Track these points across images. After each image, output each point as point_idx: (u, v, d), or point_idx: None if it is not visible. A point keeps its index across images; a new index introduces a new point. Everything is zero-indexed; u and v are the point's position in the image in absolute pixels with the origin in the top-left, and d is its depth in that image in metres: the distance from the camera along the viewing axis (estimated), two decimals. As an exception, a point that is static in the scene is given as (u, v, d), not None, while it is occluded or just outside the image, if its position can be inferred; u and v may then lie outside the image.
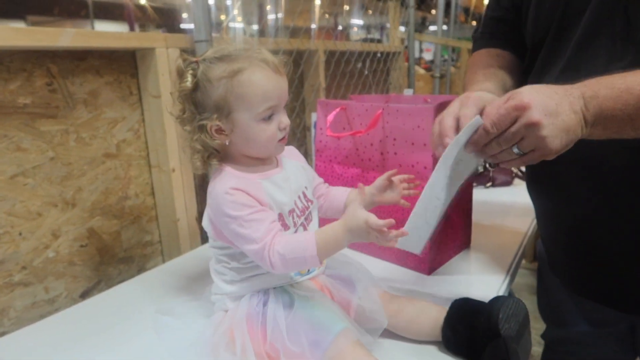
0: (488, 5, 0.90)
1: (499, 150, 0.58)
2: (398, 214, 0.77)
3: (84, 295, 1.02)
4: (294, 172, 0.75)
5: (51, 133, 0.93)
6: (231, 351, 0.65)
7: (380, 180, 0.76)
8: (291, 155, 0.78)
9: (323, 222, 0.84)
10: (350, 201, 0.75)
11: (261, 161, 0.72)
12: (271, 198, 0.68)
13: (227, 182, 0.66)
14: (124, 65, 1.06)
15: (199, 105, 0.66)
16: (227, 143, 0.67)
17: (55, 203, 0.95)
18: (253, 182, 0.68)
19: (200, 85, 0.65)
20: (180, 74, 0.67)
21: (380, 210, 0.76)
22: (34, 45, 0.84)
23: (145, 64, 1.06)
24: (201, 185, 1.25)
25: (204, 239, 1.25)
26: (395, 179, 0.76)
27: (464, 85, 0.83)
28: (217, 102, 0.65)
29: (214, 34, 1.11)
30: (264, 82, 0.65)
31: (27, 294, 0.92)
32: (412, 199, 0.71)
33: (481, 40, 0.90)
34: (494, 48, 0.87)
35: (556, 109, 0.53)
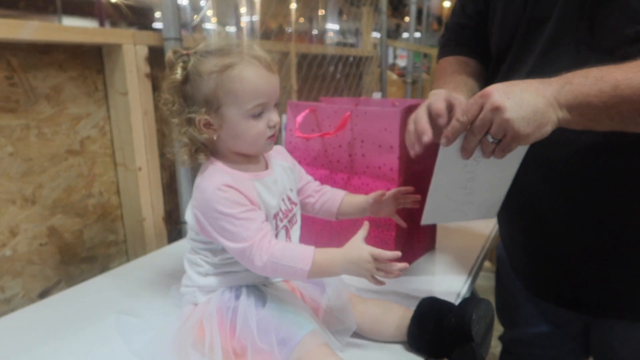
0: (453, 12, 0.92)
1: (475, 141, 0.61)
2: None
3: (43, 295, 0.99)
4: (280, 174, 0.75)
5: (10, 127, 0.90)
6: (198, 346, 0.64)
7: (378, 194, 0.78)
8: (279, 156, 0.78)
9: (313, 220, 0.85)
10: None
11: (249, 159, 0.71)
12: (261, 199, 0.68)
13: (218, 177, 0.65)
14: (90, 60, 1.03)
15: (188, 98, 0.66)
16: (215, 138, 0.67)
17: (13, 200, 0.92)
18: (245, 180, 0.67)
19: (191, 78, 0.65)
20: (170, 66, 0.66)
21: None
22: (-6, 36, 0.81)
23: (112, 60, 1.04)
24: (169, 185, 1.23)
25: (171, 239, 1.23)
26: (389, 194, 0.79)
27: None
28: (206, 96, 0.64)
29: (187, 33, 1.10)
30: (255, 78, 0.64)
31: (-19, 294, 0.89)
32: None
33: (447, 47, 0.92)
34: (460, 55, 0.89)
35: (520, 94, 0.56)
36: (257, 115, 0.66)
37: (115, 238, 1.15)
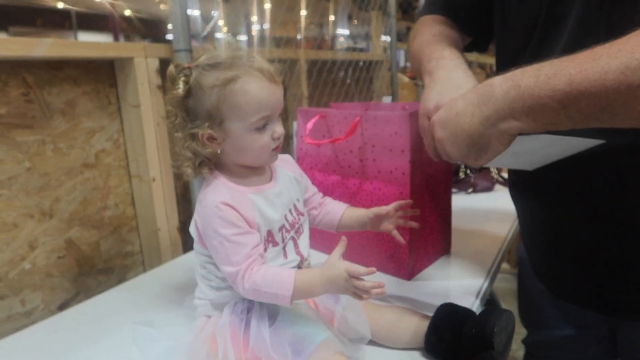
0: None
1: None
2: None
3: (62, 307, 1.01)
4: (286, 184, 0.74)
5: (27, 143, 0.92)
6: (212, 358, 0.64)
7: (381, 209, 0.77)
8: (286, 165, 0.77)
9: (314, 232, 0.85)
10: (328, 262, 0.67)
11: (254, 171, 0.70)
12: (261, 215, 0.67)
13: (218, 194, 0.64)
14: (102, 75, 1.05)
15: (191, 112, 0.65)
16: (219, 152, 0.66)
17: (31, 214, 0.94)
18: (244, 197, 0.66)
19: (193, 92, 0.64)
20: (172, 80, 0.65)
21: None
22: (9, 55, 0.83)
23: (124, 74, 1.06)
24: (183, 195, 1.25)
25: (186, 248, 1.24)
26: (390, 208, 0.77)
27: (417, 51, 0.78)
28: (209, 110, 0.63)
29: (197, 44, 1.11)
30: (258, 91, 0.63)
31: (2, 307, 0.91)
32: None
33: (434, 4, 0.86)
34: (440, 15, 0.84)
35: (456, 120, 0.57)
36: (261, 128, 0.65)
37: (132, 249, 1.17)
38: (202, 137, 0.64)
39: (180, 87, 0.64)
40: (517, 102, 0.52)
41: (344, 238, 0.64)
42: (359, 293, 0.59)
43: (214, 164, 0.69)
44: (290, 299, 0.61)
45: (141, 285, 0.97)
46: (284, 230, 0.71)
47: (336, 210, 0.82)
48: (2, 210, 0.89)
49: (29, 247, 0.94)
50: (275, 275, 0.62)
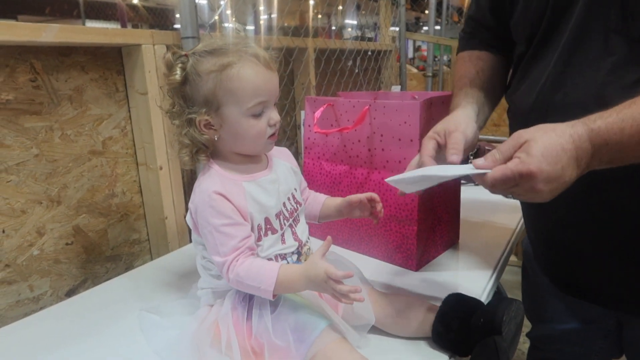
0: (470, 5, 0.91)
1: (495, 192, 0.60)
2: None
3: (70, 293, 1.01)
4: (284, 173, 0.75)
5: (35, 129, 0.92)
6: (216, 346, 0.65)
7: (355, 197, 0.77)
8: (282, 156, 0.78)
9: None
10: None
11: (250, 159, 0.71)
12: (255, 203, 0.67)
13: (212, 183, 0.65)
14: (110, 61, 1.05)
15: (188, 99, 0.66)
16: (215, 138, 0.67)
17: (39, 200, 0.94)
18: (237, 185, 0.67)
19: (190, 78, 0.65)
20: (169, 67, 0.66)
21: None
22: (17, 40, 0.83)
23: (132, 61, 1.05)
24: (189, 183, 1.24)
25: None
26: (363, 197, 0.77)
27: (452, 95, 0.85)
28: (206, 96, 0.64)
29: (204, 32, 1.10)
30: (254, 77, 0.64)
31: (10, 292, 0.91)
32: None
33: (462, 40, 0.91)
34: (474, 50, 0.88)
35: (560, 173, 0.54)
36: (258, 115, 0.66)
37: (139, 237, 1.17)
38: (199, 123, 0.65)
39: (177, 74, 0.64)
40: (604, 156, 0.56)
41: (329, 238, 0.63)
42: (337, 296, 0.59)
43: (211, 152, 0.69)
44: (273, 294, 0.62)
45: (148, 273, 0.98)
46: (281, 217, 0.71)
47: (316, 201, 0.83)
48: (11, 196, 0.89)
49: (37, 233, 0.94)
50: (259, 268, 0.63)
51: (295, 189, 0.76)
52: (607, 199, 0.68)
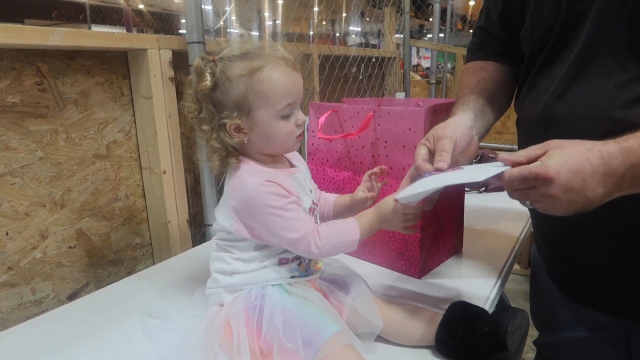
0: (479, 15, 0.91)
1: (513, 196, 0.59)
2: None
3: (72, 297, 1.01)
4: (305, 172, 0.77)
5: (40, 132, 0.92)
6: (226, 346, 0.64)
7: (359, 195, 0.79)
8: (296, 158, 0.79)
9: None
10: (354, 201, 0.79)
11: (275, 159, 0.73)
12: (299, 192, 0.70)
13: (257, 175, 0.66)
14: (116, 65, 1.05)
15: (218, 104, 0.66)
16: (245, 141, 0.68)
17: (43, 203, 0.94)
18: (282, 175, 0.68)
19: (220, 84, 0.65)
20: (199, 74, 0.66)
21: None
22: (24, 43, 0.83)
23: (137, 65, 1.06)
24: (193, 188, 1.25)
25: (195, 241, 1.24)
26: (365, 175, 0.79)
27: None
28: (236, 100, 0.65)
29: (208, 37, 1.11)
30: (283, 79, 0.65)
31: (13, 295, 0.91)
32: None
33: (469, 51, 0.92)
34: (481, 60, 0.88)
35: (582, 185, 0.53)
36: (287, 116, 0.67)
37: (141, 241, 1.17)
38: (229, 127, 0.66)
39: (208, 80, 0.65)
40: (637, 178, 0.54)
41: (383, 166, 0.76)
42: (410, 223, 0.69)
43: (239, 155, 0.70)
44: (359, 241, 0.68)
45: (150, 277, 0.97)
46: (311, 212, 0.73)
47: (328, 201, 0.84)
48: (15, 198, 0.90)
49: (40, 236, 0.95)
50: (338, 225, 0.69)
51: (310, 190, 0.77)
52: (623, 210, 0.67)
